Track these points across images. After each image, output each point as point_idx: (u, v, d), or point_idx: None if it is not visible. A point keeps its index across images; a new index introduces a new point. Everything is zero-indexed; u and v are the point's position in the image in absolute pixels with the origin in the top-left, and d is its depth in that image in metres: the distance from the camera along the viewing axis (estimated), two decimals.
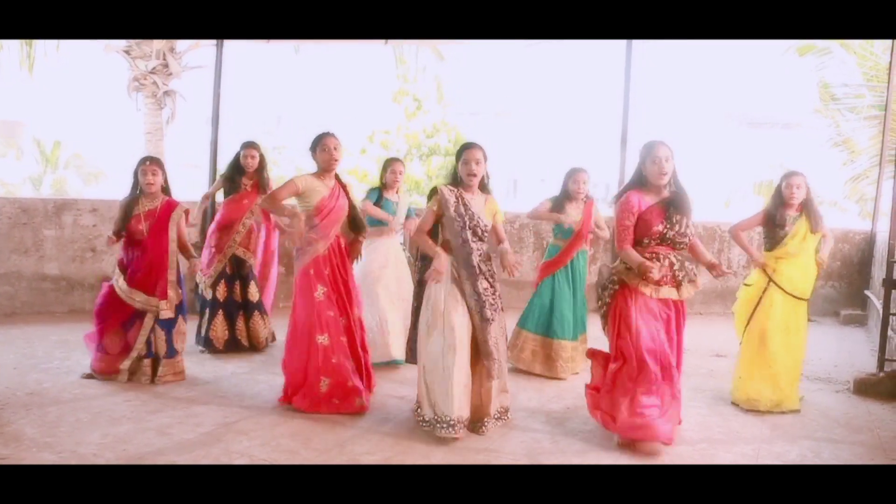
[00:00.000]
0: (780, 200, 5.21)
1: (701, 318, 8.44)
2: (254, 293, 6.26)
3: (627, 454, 4.06)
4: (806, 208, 5.17)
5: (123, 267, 5.21)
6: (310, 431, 4.22)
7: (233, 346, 6.12)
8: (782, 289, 5.13)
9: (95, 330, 5.21)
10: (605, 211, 6.76)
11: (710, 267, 4.39)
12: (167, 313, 5.14)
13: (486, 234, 4.39)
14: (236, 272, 6.21)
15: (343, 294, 4.75)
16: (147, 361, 5.16)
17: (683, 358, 4.44)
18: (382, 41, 9.58)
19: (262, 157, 6.34)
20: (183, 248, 5.29)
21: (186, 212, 5.30)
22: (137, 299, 5.13)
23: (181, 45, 10.59)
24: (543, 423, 4.50)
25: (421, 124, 18.99)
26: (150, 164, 5.22)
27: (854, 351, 6.93)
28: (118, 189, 6.34)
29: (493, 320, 4.30)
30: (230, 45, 8.41)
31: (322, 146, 4.69)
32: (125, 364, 5.13)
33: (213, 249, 6.20)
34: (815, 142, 13.70)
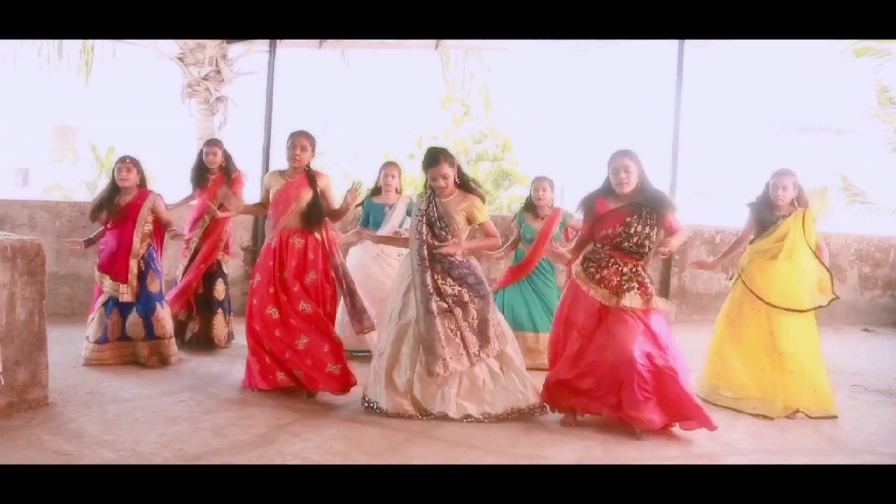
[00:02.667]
0: (767, 202, 4.92)
1: None
2: (220, 291, 6.31)
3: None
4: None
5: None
6: (361, 435, 4.25)
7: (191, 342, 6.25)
8: (744, 283, 4.92)
9: None
10: None
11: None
12: (126, 297, 5.53)
13: (446, 231, 4.59)
14: None
15: (279, 289, 4.87)
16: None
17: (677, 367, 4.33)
18: (433, 46, 9.61)
19: (224, 152, 6.45)
20: (165, 224, 5.76)
21: (159, 196, 5.74)
22: (106, 284, 5.60)
23: (233, 51, 10.75)
24: (595, 431, 4.46)
25: (469, 130, 19.01)
26: (127, 161, 5.63)
27: None
28: (170, 193, 6.47)
29: (436, 314, 4.47)
30: (282, 50, 8.52)
31: (287, 144, 4.96)
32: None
33: (184, 244, 6.32)
34: (872, 147, 13.31)
